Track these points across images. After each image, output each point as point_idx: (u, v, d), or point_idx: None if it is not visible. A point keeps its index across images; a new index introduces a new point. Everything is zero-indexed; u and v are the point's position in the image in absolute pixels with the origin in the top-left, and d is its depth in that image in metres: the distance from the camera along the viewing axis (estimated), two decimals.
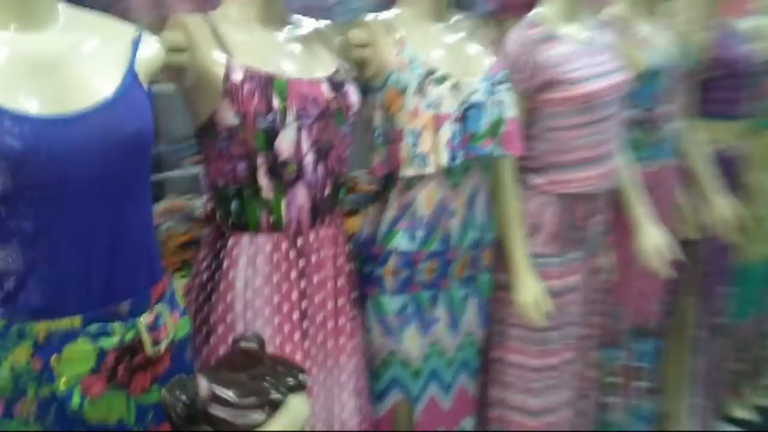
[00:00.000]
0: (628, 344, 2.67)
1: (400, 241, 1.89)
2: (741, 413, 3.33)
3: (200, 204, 2.35)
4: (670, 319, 2.95)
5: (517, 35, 2.06)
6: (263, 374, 1.18)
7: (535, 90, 2.04)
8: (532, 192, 2.15)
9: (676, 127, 2.55)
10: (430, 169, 1.78)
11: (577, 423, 2.47)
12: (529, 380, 2.24)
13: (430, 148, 1.77)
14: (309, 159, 1.61)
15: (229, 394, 1.12)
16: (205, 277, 1.67)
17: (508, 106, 1.87)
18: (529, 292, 2.12)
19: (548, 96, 2.05)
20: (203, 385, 1.12)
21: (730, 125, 2.77)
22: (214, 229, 1.69)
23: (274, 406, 1.14)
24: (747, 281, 3.21)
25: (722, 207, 2.64)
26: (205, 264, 1.68)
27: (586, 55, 2.07)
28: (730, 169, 2.81)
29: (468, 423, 2.17)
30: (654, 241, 2.32)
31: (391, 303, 1.93)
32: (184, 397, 1.11)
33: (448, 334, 2.03)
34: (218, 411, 1.10)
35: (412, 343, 1.97)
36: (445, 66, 1.83)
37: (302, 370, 1.22)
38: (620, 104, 2.16)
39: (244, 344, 1.22)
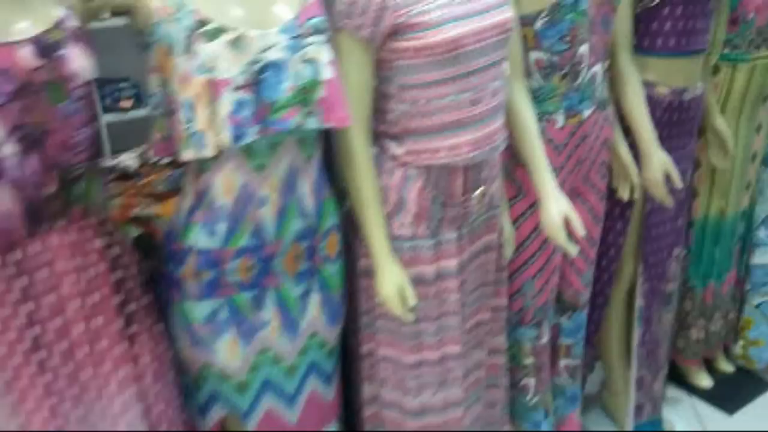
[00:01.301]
0: (549, 321, 2.14)
1: (198, 237, 1.43)
2: (702, 381, 2.80)
3: None
4: (612, 288, 2.44)
5: None
6: None
7: (384, 38, 1.52)
8: (392, 164, 1.63)
9: (601, 70, 2.03)
10: (208, 152, 1.29)
11: (487, 415, 2.06)
12: (404, 377, 1.80)
13: (207, 124, 1.26)
14: (8, 150, 1.11)
15: None
16: None
17: (324, 64, 1.34)
18: (390, 281, 1.64)
19: (400, 45, 1.53)
20: None
21: (681, 63, 2.17)
22: None
23: None
24: (706, 240, 2.63)
25: (656, 164, 2.07)
26: None
27: None
28: (683, 114, 2.30)
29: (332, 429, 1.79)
30: (557, 211, 1.79)
31: (197, 309, 1.48)
32: None
33: (283, 338, 1.58)
34: None
35: (230, 353, 1.52)
36: (226, 14, 1.29)
37: None
38: (501, 51, 1.60)
39: None
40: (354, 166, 1.63)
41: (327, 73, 1.38)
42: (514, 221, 2.02)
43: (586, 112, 2.01)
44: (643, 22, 2.19)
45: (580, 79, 1.96)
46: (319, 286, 1.61)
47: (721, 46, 2.46)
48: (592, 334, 2.53)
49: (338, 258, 1.64)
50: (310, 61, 1.37)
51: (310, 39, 1.38)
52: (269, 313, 1.54)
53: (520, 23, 1.92)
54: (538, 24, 1.90)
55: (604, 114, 2.07)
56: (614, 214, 2.30)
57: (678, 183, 2.11)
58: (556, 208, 1.83)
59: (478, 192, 1.74)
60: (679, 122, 2.28)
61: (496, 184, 1.82)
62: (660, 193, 2.13)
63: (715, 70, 2.48)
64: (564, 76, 1.95)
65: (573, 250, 1.87)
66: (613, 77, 2.18)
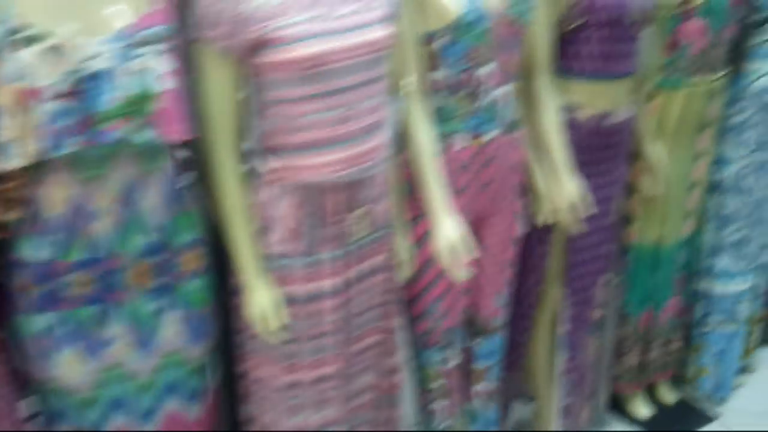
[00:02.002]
0: (458, 344, 2.01)
1: (29, 249, 1.35)
2: (640, 410, 2.65)
3: None
4: (536, 313, 2.33)
5: None
6: None
7: (245, 51, 1.41)
8: (262, 180, 1.52)
9: (507, 93, 1.92)
10: (17, 162, 1.19)
11: None
12: (279, 398, 1.71)
13: (19, 133, 1.17)
14: None
15: None
16: None
17: (159, 75, 1.25)
18: (257, 302, 1.55)
19: (262, 59, 1.43)
20: None
21: (604, 86, 2.04)
22: None
23: None
24: (641, 268, 2.49)
25: (566, 191, 1.94)
26: None
27: (318, 5, 1.40)
28: (608, 139, 2.18)
29: None
30: (443, 235, 1.69)
31: (32, 323, 1.41)
32: None
33: (134, 355, 1.49)
34: None
35: (70, 369, 1.43)
36: (52, 21, 1.21)
37: None
38: (377, 69, 1.49)
39: None
40: (219, 182, 1.54)
41: (162, 84, 1.28)
42: (417, 241, 1.91)
43: (490, 135, 1.89)
44: (564, 44, 2.07)
45: (482, 101, 1.85)
46: (178, 303, 1.51)
47: (658, 72, 2.31)
48: (519, 359, 2.39)
49: (201, 274, 1.53)
50: (141, 72, 1.27)
51: (144, 49, 1.28)
52: (117, 329, 1.45)
53: (421, 42, 1.80)
54: (438, 43, 1.79)
55: (513, 137, 1.95)
56: (535, 237, 2.17)
57: (587, 211, 1.97)
58: (443, 233, 1.72)
59: (358, 212, 1.62)
60: (603, 147, 2.14)
61: (382, 204, 1.70)
62: (568, 219, 1.99)
63: (652, 95, 2.33)
64: (465, 97, 1.84)
65: (461, 277, 1.75)
66: (530, 99, 2.04)
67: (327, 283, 1.67)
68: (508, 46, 1.86)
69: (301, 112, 1.50)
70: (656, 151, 2.33)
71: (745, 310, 2.78)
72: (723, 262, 2.66)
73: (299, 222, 1.59)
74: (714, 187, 2.60)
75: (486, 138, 1.90)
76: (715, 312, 2.72)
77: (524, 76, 2.06)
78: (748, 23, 2.48)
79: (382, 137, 1.62)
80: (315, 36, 1.45)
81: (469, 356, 2.21)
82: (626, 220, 2.51)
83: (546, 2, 1.99)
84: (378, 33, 1.54)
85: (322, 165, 1.54)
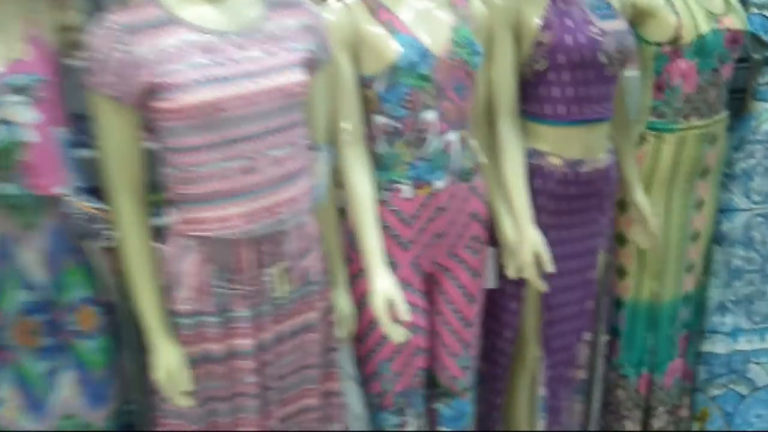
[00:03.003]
0: (417, 408, 1.83)
1: None
2: None
3: None
4: (512, 374, 2.16)
5: (103, 20, 1.30)
6: None
7: (139, 97, 1.29)
8: (170, 232, 1.40)
9: (457, 139, 1.76)
10: None
11: None
12: None
13: None
14: None
15: None
16: None
17: (24, 125, 1.13)
18: (163, 362, 1.41)
19: (155, 105, 1.31)
20: None
21: (575, 132, 1.85)
22: None
23: None
24: (638, 325, 2.25)
25: (526, 244, 1.75)
26: None
27: (216, 50, 1.28)
28: (583, 188, 1.99)
29: None
30: (382, 293, 1.61)
31: None
32: None
33: (26, 418, 1.37)
34: None
35: None
36: None
37: None
38: (287, 116, 1.35)
39: None
40: (120, 234, 1.42)
41: (28, 135, 1.17)
42: (361, 298, 1.74)
43: (439, 183, 1.71)
44: (531, 87, 1.88)
45: (427, 148, 1.68)
46: (73, 364, 1.38)
47: (648, 114, 2.09)
48: (495, 423, 2.17)
49: (97, 334, 1.41)
50: (5, 122, 1.16)
51: (11, 98, 1.17)
52: (5, 390, 1.32)
53: (362, 84, 1.66)
54: (378, 86, 1.64)
55: (468, 186, 1.77)
56: (507, 292, 1.97)
57: (548, 267, 1.77)
58: (378, 288, 1.57)
59: (276, 268, 1.47)
60: (579, 197, 1.94)
61: (309, 258, 1.55)
62: (529, 274, 1.79)
63: (641, 139, 2.11)
64: (409, 143, 1.68)
65: (398, 336, 1.57)
66: (496, 145, 1.87)
67: (245, 342, 1.52)
68: (455, 90, 1.69)
69: (200, 162, 1.37)
70: (643, 200, 2.10)
71: (762, 373, 2.47)
72: (730, 319, 2.37)
73: (207, 278, 1.45)
74: (720, 239, 2.33)
75: (435, 186, 1.72)
76: (722, 374, 2.42)
77: (488, 121, 1.88)
78: (755, 62, 2.22)
79: (297, 189, 1.47)
80: (210, 82, 1.32)
81: (434, 419, 2.00)
82: (619, 273, 2.27)
83: (507, 43, 1.81)
84: (286, 78, 1.40)
85: (225, 218, 1.40)
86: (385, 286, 1.60)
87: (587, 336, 2.13)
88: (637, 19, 2.06)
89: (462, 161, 1.76)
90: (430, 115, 1.68)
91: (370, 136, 1.73)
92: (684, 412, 2.43)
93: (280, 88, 1.39)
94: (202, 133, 1.35)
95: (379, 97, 1.67)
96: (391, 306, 1.59)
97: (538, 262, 1.80)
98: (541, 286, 1.83)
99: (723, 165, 2.30)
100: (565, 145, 1.90)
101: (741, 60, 2.30)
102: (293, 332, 1.59)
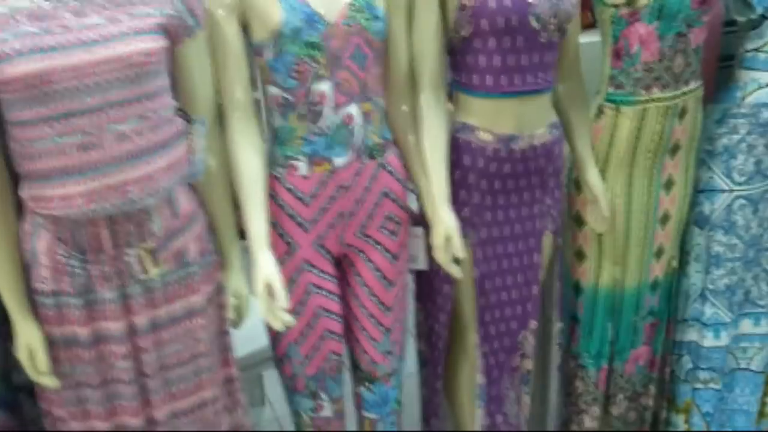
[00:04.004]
0: (333, 392, 1.73)
1: None
2: None
3: None
4: (453, 360, 2.00)
5: None
6: None
7: None
8: (25, 210, 1.32)
9: (359, 113, 1.61)
10: None
11: None
12: None
13: None
14: None
15: None
16: None
17: None
18: (24, 341, 1.41)
19: None
20: None
21: (506, 105, 1.68)
22: None
23: None
24: (597, 313, 2.06)
25: (438, 227, 1.59)
26: None
27: (49, 17, 1.17)
28: (520, 165, 1.79)
29: None
30: (262, 277, 1.50)
31: None
32: None
33: None
34: None
35: None
36: None
37: None
38: (133, 88, 1.24)
39: None
40: None
41: None
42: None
43: (340, 160, 1.56)
44: (460, 56, 1.69)
45: (324, 122, 1.52)
46: None
47: (607, 85, 1.86)
48: (437, 408, 2.03)
49: None
50: None
51: None
52: None
53: (254, 53, 1.51)
54: (267, 55, 1.49)
55: (377, 162, 1.61)
56: (440, 274, 1.81)
57: (459, 252, 1.60)
58: (259, 272, 1.45)
59: (139, 249, 1.37)
60: (514, 175, 1.75)
61: (186, 238, 1.44)
62: (441, 259, 1.62)
63: (599, 112, 1.88)
64: (303, 116, 1.52)
65: (276, 324, 1.46)
66: (415, 119, 1.69)
67: (112, 326, 1.43)
68: (353, 59, 1.52)
69: (35, 137, 1.27)
70: (595, 179, 1.87)
71: (759, 361, 2.22)
72: (711, 309, 2.13)
73: (60, 257, 1.36)
74: (701, 222, 2.08)
75: (336, 164, 1.57)
76: (704, 367, 2.19)
77: (412, 93, 1.70)
78: (741, 26, 1.94)
79: (153, 166, 1.34)
80: (35, 52, 1.21)
81: (360, 403, 1.88)
82: (578, 256, 2.06)
83: (430, 6, 1.62)
84: (130, 47, 1.27)
85: (66, 197, 1.30)
86: (265, 272, 1.47)
87: (534, 324, 1.92)
88: None
89: (367, 136, 1.59)
90: (323, 87, 1.52)
91: (267, 109, 1.58)
92: (647, 401, 2.20)
93: (122, 58, 1.26)
94: (33, 106, 1.24)
95: (269, 66, 1.52)
96: (269, 291, 1.46)
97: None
98: (456, 271, 1.66)
99: (703, 141, 2.03)
100: (496, 119, 1.70)
101: (729, 23, 2.01)
102: (173, 318, 1.49)
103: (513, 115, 1.70)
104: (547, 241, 1.90)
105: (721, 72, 2.16)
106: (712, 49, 2.12)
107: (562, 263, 1.98)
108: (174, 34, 1.38)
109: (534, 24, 1.62)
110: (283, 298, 1.47)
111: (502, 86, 1.67)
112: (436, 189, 1.65)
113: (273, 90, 1.54)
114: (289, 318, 1.50)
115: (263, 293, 1.47)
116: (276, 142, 1.60)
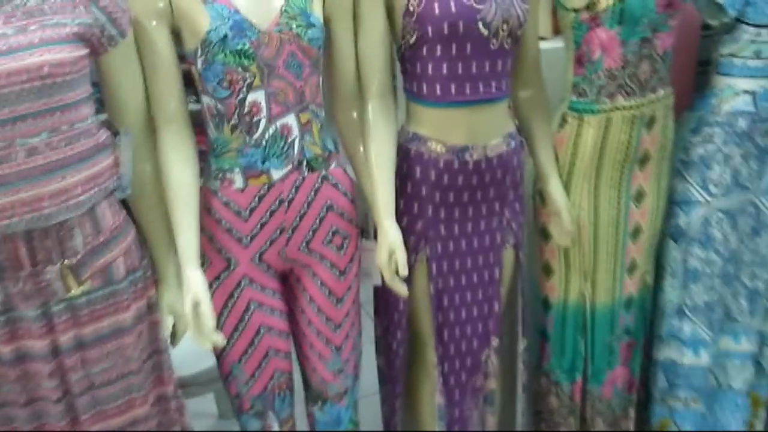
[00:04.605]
0: (280, 412, 1.66)
1: None
2: None
3: None
4: (414, 378, 1.91)
5: None
6: None
7: None
8: None
9: (297, 124, 1.53)
10: None
11: None
12: None
13: None
14: None
15: None
16: None
17: None
18: None
19: None
20: None
21: (456, 115, 1.60)
22: None
23: None
24: (567, 329, 1.96)
25: (381, 242, 1.51)
26: None
27: None
28: (475, 178, 1.70)
29: None
30: (187, 296, 1.44)
31: None
32: None
33: None
34: None
35: None
36: None
37: None
38: (43, 100, 1.20)
39: None
40: None
41: None
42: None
43: (277, 173, 1.50)
44: (409, 63, 1.61)
45: (259, 133, 1.45)
46: None
47: (570, 93, 1.77)
48: (398, 425, 1.95)
49: None
50: None
51: None
52: None
53: (188, 62, 1.45)
54: (198, 64, 1.42)
55: (319, 175, 1.53)
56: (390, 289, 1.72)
57: (402, 269, 1.51)
58: (188, 290, 1.40)
59: (59, 265, 1.31)
60: (469, 187, 1.66)
61: (111, 254, 1.37)
62: (385, 275, 1.54)
63: (563, 121, 1.79)
64: (235, 128, 1.45)
65: (204, 344, 1.39)
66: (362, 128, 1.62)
67: (36, 344, 1.37)
68: (288, 68, 1.45)
69: None
70: (557, 192, 1.78)
71: (740, 380, 2.10)
72: (690, 326, 2.01)
73: None
74: (676, 235, 1.97)
75: (273, 177, 1.49)
76: (683, 386, 2.07)
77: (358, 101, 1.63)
78: (716, 30, 1.83)
79: (69, 180, 1.28)
80: None
81: (311, 422, 1.80)
82: (545, 271, 1.96)
83: (376, 11, 1.55)
84: (38, 58, 1.21)
85: None
86: (193, 290, 1.40)
87: (496, 342, 1.83)
88: None
89: (307, 147, 1.51)
90: (257, 96, 1.45)
91: (205, 120, 1.52)
92: (627, 425, 2.09)
93: (31, 69, 1.20)
94: None
95: (201, 75, 1.46)
96: (196, 311, 1.39)
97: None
98: (401, 289, 1.57)
99: (678, 150, 1.92)
100: (447, 129, 1.62)
101: (706, 27, 1.91)
102: (100, 337, 1.42)
103: (465, 126, 1.61)
104: (508, 255, 1.80)
105: (699, 78, 2.05)
106: (689, 53, 2.01)
107: (524, 278, 1.87)
108: (94, 43, 1.31)
109: (482, 30, 1.54)
110: (209, 318, 1.40)
111: (452, 95, 1.59)
112: (380, 201, 1.56)
113: (206, 100, 1.48)
114: (217, 337, 1.42)
115: (190, 312, 1.40)
116: (212, 154, 1.52)
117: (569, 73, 1.79)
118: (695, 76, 2.06)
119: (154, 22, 1.42)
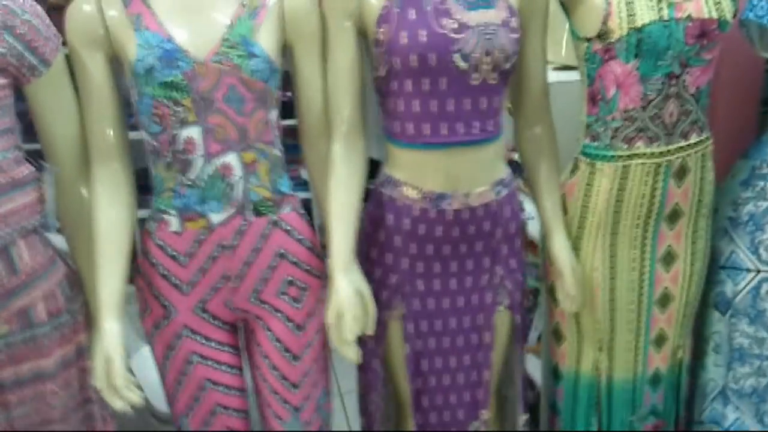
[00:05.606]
0: None
1: None
2: None
3: None
4: None
5: None
6: None
7: None
8: None
9: (239, 163, 1.35)
10: None
11: None
12: None
13: None
14: None
15: None
16: None
17: None
18: None
19: None
20: None
21: (432, 158, 1.38)
22: None
23: None
24: (579, 403, 1.69)
25: (332, 299, 1.33)
26: None
27: None
28: (455, 229, 1.46)
29: None
30: (99, 351, 1.30)
31: None
32: None
33: None
34: None
35: None
36: None
37: None
38: None
39: None
40: None
41: None
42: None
43: (216, 216, 1.34)
44: (383, 98, 1.42)
45: (194, 172, 1.31)
46: None
47: (584, 135, 1.51)
48: None
49: None
50: None
51: None
52: None
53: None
54: (133, 95, 1.30)
55: (269, 220, 1.36)
56: (366, 346, 1.53)
57: (348, 334, 1.32)
58: (98, 345, 1.26)
59: None
60: (451, 239, 1.45)
61: (31, 296, 1.27)
62: (332, 338, 1.35)
63: (575, 168, 1.53)
64: (169, 166, 1.31)
65: (116, 404, 1.26)
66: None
67: None
68: (228, 103, 1.28)
69: None
70: (563, 251, 1.51)
71: None
72: (734, 414, 1.68)
73: None
74: (722, 305, 1.64)
75: (212, 220, 1.34)
76: None
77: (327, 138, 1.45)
78: None
79: None
80: None
81: None
82: (555, 336, 1.69)
83: (344, 39, 1.37)
84: None
85: None
86: (104, 344, 1.26)
87: (487, 414, 1.58)
88: (568, 4, 1.45)
89: (252, 189, 1.34)
90: (191, 133, 1.29)
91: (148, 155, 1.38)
92: None
93: None
94: None
95: (137, 108, 1.31)
96: (108, 368, 1.25)
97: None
98: (352, 354, 1.36)
99: (727, 205, 1.60)
100: (422, 174, 1.39)
101: None
102: (19, 381, 1.32)
103: (441, 171, 1.38)
104: (502, 318, 1.55)
105: (763, 119, 1.69)
106: (750, 91, 1.67)
107: (523, 344, 1.61)
108: (13, 73, 1.20)
109: (460, 64, 1.30)
110: (120, 377, 1.25)
111: (426, 136, 1.36)
112: (334, 253, 1.36)
113: (144, 135, 1.33)
114: (133, 395, 1.27)
115: (100, 368, 1.26)
116: (154, 193, 1.38)
117: (582, 111, 1.51)
118: (757, 117, 1.71)
119: (88, 50, 1.29)
